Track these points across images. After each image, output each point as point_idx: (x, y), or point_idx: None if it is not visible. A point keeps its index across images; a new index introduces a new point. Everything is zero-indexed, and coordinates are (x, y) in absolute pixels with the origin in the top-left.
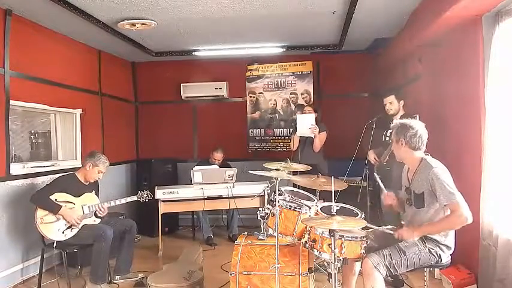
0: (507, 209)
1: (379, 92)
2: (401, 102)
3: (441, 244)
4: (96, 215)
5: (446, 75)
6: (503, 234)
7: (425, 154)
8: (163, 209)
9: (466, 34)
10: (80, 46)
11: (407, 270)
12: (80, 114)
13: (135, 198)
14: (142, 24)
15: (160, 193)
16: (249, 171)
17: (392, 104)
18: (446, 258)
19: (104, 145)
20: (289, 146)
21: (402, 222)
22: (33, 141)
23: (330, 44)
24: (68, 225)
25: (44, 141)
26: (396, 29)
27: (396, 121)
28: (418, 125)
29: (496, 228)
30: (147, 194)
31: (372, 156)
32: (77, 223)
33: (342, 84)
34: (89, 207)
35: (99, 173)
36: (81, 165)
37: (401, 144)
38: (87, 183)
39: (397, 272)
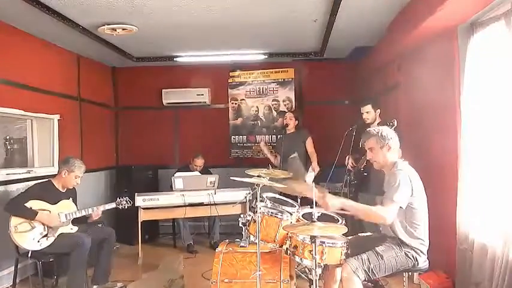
0: (482, 213)
1: (359, 99)
2: (378, 111)
3: (416, 249)
4: (80, 221)
5: (424, 84)
6: (479, 239)
7: (402, 160)
8: (143, 216)
9: (443, 44)
10: (59, 50)
11: (386, 274)
12: (58, 120)
13: (113, 205)
14: (123, 29)
15: (140, 200)
16: (231, 178)
17: (369, 113)
18: (423, 262)
19: (83, 151)
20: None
21: (380, 228)
22: (8, 147)
23: (312, 52)
24: (44, 233)
25: (20, 147)
26: (376, 38)
27: (371, 129)
28: (389, 128)
29: (472, 232)
30: (126, 200)
31: (349, 161)
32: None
33: (323, 91)
34: (65, 215)
35: (76, 178)
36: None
37: (388, 148)
38: (64, 190)
39: (376, 276)
